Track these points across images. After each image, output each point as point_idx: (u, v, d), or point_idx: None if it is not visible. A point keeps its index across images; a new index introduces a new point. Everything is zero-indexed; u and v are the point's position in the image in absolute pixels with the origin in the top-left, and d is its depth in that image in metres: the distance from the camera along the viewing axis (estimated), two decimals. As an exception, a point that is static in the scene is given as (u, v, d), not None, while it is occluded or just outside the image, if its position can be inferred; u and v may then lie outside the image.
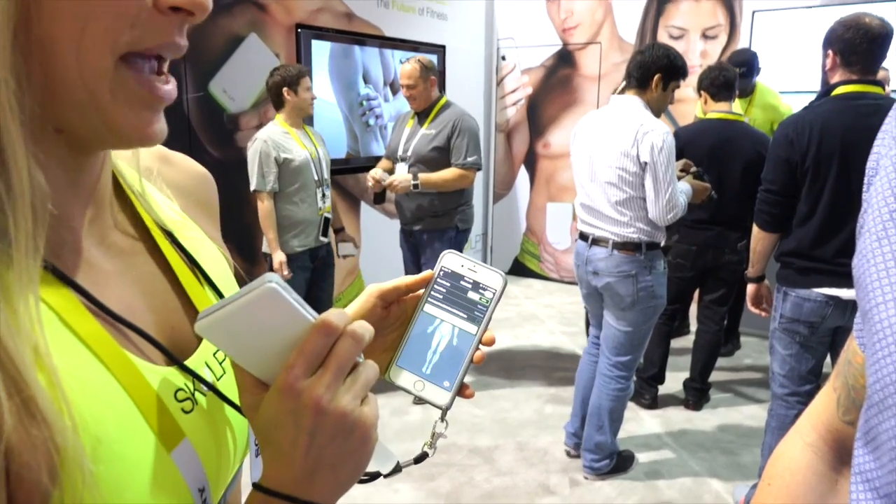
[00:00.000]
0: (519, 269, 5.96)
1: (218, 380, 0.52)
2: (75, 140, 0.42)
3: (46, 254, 0.39)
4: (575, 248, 2.70)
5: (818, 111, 2.21)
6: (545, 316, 4.92)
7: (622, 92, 2.54)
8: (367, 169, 4.56)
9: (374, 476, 0.61)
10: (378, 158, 3.76)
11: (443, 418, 0.61)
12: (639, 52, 2.50)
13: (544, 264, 5.85)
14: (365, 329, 0.47)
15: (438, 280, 0.63)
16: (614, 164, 2.44)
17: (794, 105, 3.66)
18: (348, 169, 4.55)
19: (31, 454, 0.35)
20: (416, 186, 3.17)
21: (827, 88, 2.25)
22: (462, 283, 0.63)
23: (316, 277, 3.27)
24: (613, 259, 2.50)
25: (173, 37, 0.41)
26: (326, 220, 3.21)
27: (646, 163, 2.37)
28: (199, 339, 0.52)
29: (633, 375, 2.72)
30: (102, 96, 0.39)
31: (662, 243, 2.55)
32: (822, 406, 0.64)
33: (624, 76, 2.56)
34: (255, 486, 0.46)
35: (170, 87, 0.43)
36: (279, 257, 3.02)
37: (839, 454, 0.62)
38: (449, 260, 0.64)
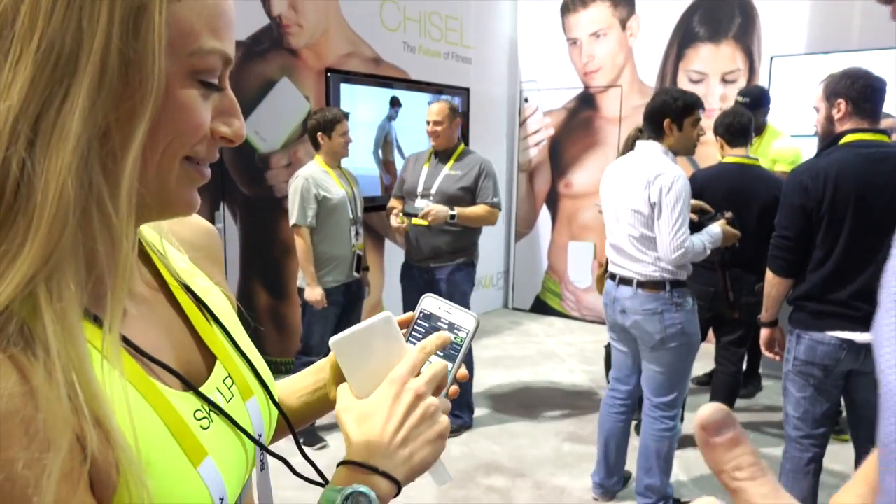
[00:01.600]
0: (540, 307, 6.00)
1: (228, 402, 0.61)
2: (137, 215, 0.53)
3: (91, 304, 0.49)
4: (605, 289, 2.75)
5: (831, 159, 2.25)
6: (565, 354, 4.94)
7: (639, 138, 2.64)
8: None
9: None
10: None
11: None
12: (649, 103, 2.59)
13: (565, 302, 5.88)
14: (445, 369, 0.66)
15: (419, 320, 0.71)
16: (631, 206, 2.52)
17: (806, 149, 3.71)
18: (374, 207, 4.67)
19: (107, 470, 0.45)
20: (452, 217, 3.30)
21: (835, 136, 2.30)
22: (439, 324, 0.71)
23: (345, 313, 3.38)
24: (639, 298, 2.56)
25: (215, 155, 0.56)
26: (359, 256, 3.32)
27: (655, 203, 2.45)
28: (209, 371, 0.61)
29: (679, 415, 2.70)
30: (169, 183, 0.52)
31: (685, 280, 2.57)
32: (873, 464, 0.64)
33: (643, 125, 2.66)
34: (342, 462, 0.59)
35: (209, 171, 0.56)
36: (318, 293, 3.12)
37: None
38: (428, 303, 0.72)
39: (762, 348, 2.59)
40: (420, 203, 3.43)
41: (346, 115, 3.26)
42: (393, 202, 3.62)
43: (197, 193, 0.55)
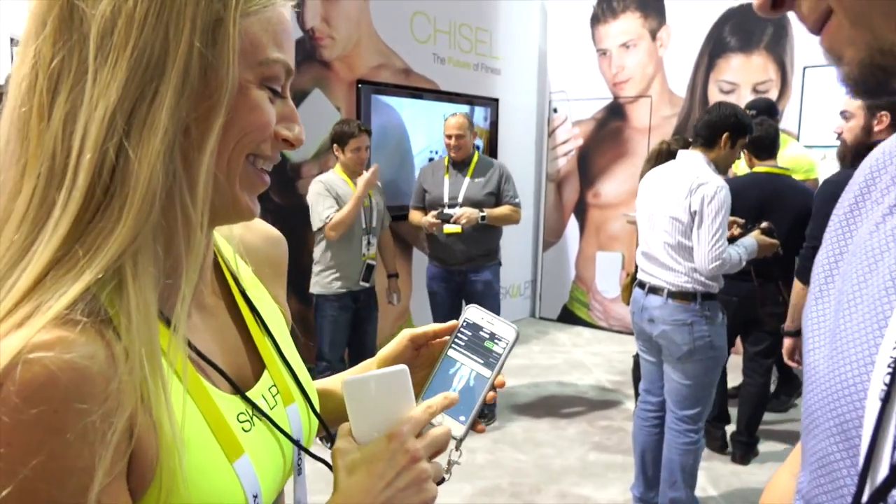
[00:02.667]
0: (568, 317, 5.99)
1: (271, 409, 0.65)
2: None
3: (162, 305, 0.54)
4: (632, 297, 2.75)
5: None
6: (592, 364, 4.93)
7: (683, 147, 2.66)
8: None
9: None
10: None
11: (458, 448, 0.71)
12: (706, 112, 2.60)
13: (593, 312, 5.86)
14: (448, 435, 0.65)
15: (462, 329, 0.76)
16: (670, 214, 2.52)
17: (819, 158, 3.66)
18: (403, 216, 4.72)
19: (144, 461, 0.50)
20: (483, 219, 3.52)
21: (869, 146, 2.28)
22: (481, 333, 0.75)
23: (358, 320, 3.45)
24: (668, 308, 2.55)
25: (277, 156, 0.62)
26: (369, 266, 3.37)
27: (695, 212, 2.45)
28: (257, 378, 0.66)
29: (702, 429, 2.68)
30: (234, 183, 0.57)
31: (716, 293, 2.57)
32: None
33: (692, 134, 2.66)
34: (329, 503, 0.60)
35: (268, 178, 0.62)
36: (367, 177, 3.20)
37: None
38: (472, 313, 0.76)
39: (785, 357, 2.56)
40: (450, 211, 3.57)
41: (366, 131, 3.34)
42: (414, 213, 3.78)
43: (255, 198, 0.61)
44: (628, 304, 3.03)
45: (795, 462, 0.73)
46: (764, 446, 3.53)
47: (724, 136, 2.53)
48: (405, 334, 0.79)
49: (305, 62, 3.96)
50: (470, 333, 0.75)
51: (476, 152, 3.72)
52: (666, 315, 2.55)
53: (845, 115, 2.37)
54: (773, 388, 3.70)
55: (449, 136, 3.61)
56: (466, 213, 3.50)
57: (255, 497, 0.58)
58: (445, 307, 3.71)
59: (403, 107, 4.61)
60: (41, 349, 0.43)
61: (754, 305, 3.21)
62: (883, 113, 2.25)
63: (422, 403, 0.65)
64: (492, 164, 3.71)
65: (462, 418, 0.71)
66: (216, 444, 0.56)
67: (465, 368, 0.73)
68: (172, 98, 0.49)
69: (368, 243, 3.37)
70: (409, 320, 4.89)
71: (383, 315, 4.59)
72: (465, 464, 3.22)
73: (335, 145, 3.28)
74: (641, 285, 2.68)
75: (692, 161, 2.55)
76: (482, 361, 0.73)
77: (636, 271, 2.84)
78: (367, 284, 3.39)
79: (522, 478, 3.18)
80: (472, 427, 0.71)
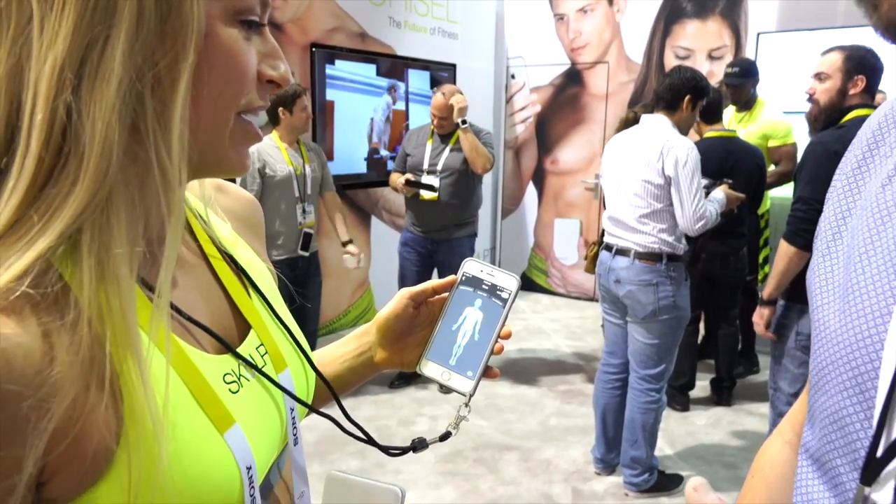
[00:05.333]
0: (527, 284, 6.02)
1: (261, 368, 0.61)
2: (189, 172, 0.53)
3: (145, 272, 0.50)
4: (599, 259, 2.78)
5: (857, 129, 2.24)
6: (551, 330, 4.99)
7: (647, 111, 2.69)
8: (379, 184, 4.68)
9: (406, 450, 0.72)
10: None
11: (467, 404, 0.70)
12: (667, 76, 2.62)
13: (552, 279, 5.91)
14: None
15: (461, 284, 0.73)
16: (640, 177, 2.54)
17: (796, 125, 3.74)
18: (360, 184, 4.65)
19: (105, 421, 0.45)
20: (464, 122, 3.47)
21: (843, 110, 2.28)
22: (482, 285, 0.73)
23: (298, 286, 3.37)
24: (635, 268, 2.58)
25: (266, 100, 0.56)
26: (307, 234, 3.31)
27: (670, 177, 2.47)
28: (243, 337, 0.62)
29: (664, 388, 2.75)
30: (222, 139, 0.52)
31: (681, 254, 2.62)
32: (799, 408, 0.73)
33: (652, 98, 2.68)
34: None
35: (259, 131, 0.57)
36: None
37: None
38: (470, 266, 0.74)
39: (760, 327, 2.50)
40: (427, 179, 3.57)
41: (305, 92, 3.28)
42: (393, 176, 3.74)
43: (248, 151, 0.56)
44: (592, 273, 3.07)
45: (787, 428, 0.73)
46: (718, 409, 3.64)
47: (686, 98, 2.56)
48: (404, 293, 0.76)
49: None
50: (470, 287, 0.73)
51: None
52: (632, 275, 2.59)
53: (821, 77, 2.35)
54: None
55: (433, 115, 3.58)
56: (459, 99, 3.47)
57: (249, 469, 0.53)
58: (414, 274, 3.69)
59: (357, 74, 4.50)
60: None
61: (721, 261, 3.40)
62: (859, 77, 2.26)
63: None
64: (479, 130, 3.64)
65: (469, 373, 0.70)
66: (204, 417, 0.51)
67: (468, 322, 0.72)
68: (126, 43, 0.44)
69: (304, 211, 3.31)
70: (370, 290, 4.85)
71: (341, 285, 4.55)
72: (428, 431, 3.23)
73: (281, 108, 3.19)
74: (608, 248, 2.70)
75: (658, 124, 2.57)
76: (485, 314, 0.71)
77: (600, 241, 2.88)
78: (305, 253, 3.32)
79: (485, 443, 3.21)
80: (485, 374, 0.70)
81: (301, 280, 3.39)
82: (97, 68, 0.43)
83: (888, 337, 0.46)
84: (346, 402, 0.71)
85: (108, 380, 0.44)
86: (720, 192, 2.76)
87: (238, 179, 3.15)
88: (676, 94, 2.56)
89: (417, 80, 4.97)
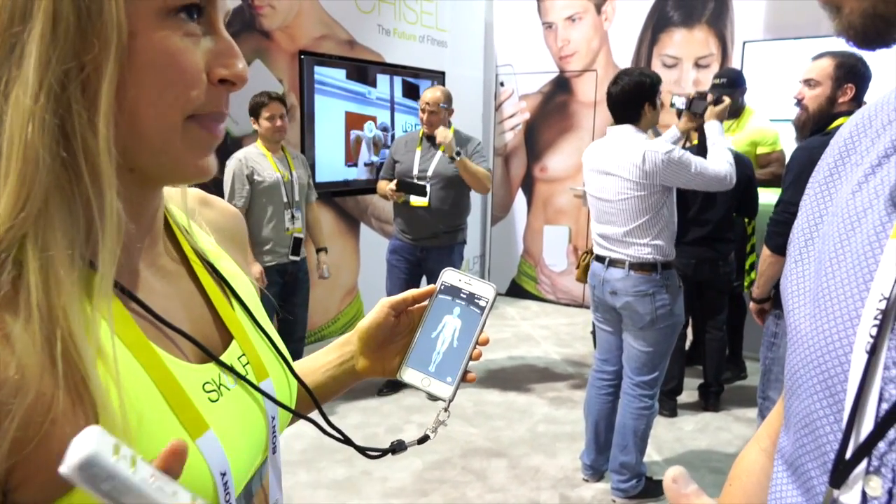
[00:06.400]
0: (516, 291, 6.03)
1: (243, 377, 0.61)
2: (144, 178, 0.53)
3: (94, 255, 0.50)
4: (591, 271, 2.76)
5: None
6: (540, 337, 4.99)
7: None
8: (367, 191, 4.68)
9: (385, 452, 0.75)
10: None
11: (447, 409, 0.73)
12: (613, 91, 2.54)
13: (541, 286, 5.92)
14: None
15: (440, 292, 0.76)
16: (623, 195, 2.53)
17: (782, 132, 3.77)
18: (348, 191, 4.65)
19: (73, 429, 0.43)
20: (458, 154, 3.42)
21: (831, 117, 2.29)
22: (460, 294, 0.76)
23: (287, 293, 3.40)
24: (631, 279, 2.58)
25: (221, 106, 0.53)
26: (297, 240, 3.32)
27: (660, 174, 2.45)
28: (225, 348, 0.62)
29: (657, 394, 2.75)
30: (174, 143, 0.50)
31: (673, 260, 2.63)
32: (775, 416, 0.73)
33: (611, 109, 2.61)
34: None
35: (222, 130, 0.55)
36: (255, 270, 3.14)
37: None
38: (449, 276, 0.77)
39: (754, 316, 2.53)
40: (419, 181, 3.54)
41: (278, 99, 3.26)
42: (381, 183, 3.70)
43: (213, 158, 0.54)
44: (584, 282, 3.09)
45: (763, 436, 0.74)
46: (706, 415, 3.65)
47: (646, 105, 2.54)
48: (384, 302, 0.78)
49: (245, 32, 3.82)
50: (449, 296, 0.76)
51: (452, 127, 3.62)
52: (629, 286, 2.59)
53: (810, 83, 2.35)
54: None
55: (422, 109, 3.55)
56: (445, 134, 3.40)
57: (224, 475, 0.53)
58: (401, 282, 3.67)
59: (343, 83, 4.50)
60: None
61: (709, 266, 3.44)
62: (848, 85, 2.27)
63: None
64: (468, 139, 3.64)
65: (449, 379, 0.72)
66: (176, 423, 0.51)
67: (447, 330, 0.74)
68: (42, 48, 0.43)
69: (292, 217, 3.31)
70: (358, 297, 4.84)
71: (330, 293, 4.54)
72: (414, 437, 3.21)
73: (252, 118, 3.23)
74: (600, 259, 2.70)
75: (629, 135, 2.54)
76: (464, 322, 0.74)
77: (591, 250, 2.89)
78: (296, 258, 3.33)
79: (473, 450, 3.20)
80: (463, 378, 0.72)
81: (290, 286, 3.39)
82: (13, 74, 0.43)
83: (856, 340, 0.47)
84: (334, 410, 0.72)
85: (73, 382, 0.44)
86: (714, 123, 2.68)
87: (227, 185, 3.15)
88: (635, 103, 2.53)
89: (400, 89, 4.99)
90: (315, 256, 3.64)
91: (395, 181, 3.55)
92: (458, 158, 3.41)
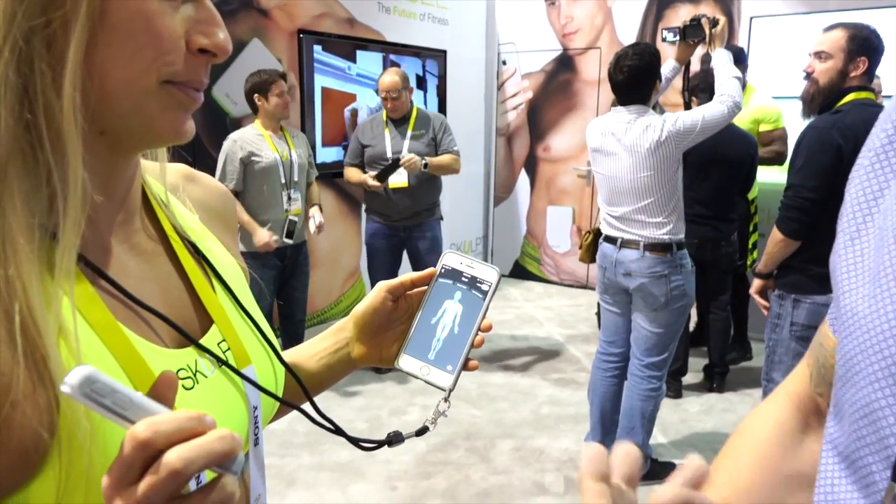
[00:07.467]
0: (519, 272, 6.00)
1: (219, 368, 0.57)
2: (115, 142, 0.50)
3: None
4: (600, 251, 2.71)
5: (854, 117, 2.15)
6: (544, 318, 4.96)
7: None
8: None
9: (381, 444, 0.71)
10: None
11: (447, 399, 0.68)
12: (626, 71, 2.46)
13: (544, 267, 5.89)
14: (192, 451, 0.38)
15: (441, 276, 0.71)
16: (645, 170, 2.47)
17: (787, 110, 3.70)
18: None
19: (34, 410, 0.42)
20: (425, 166, 3.50)
21: (841, 91, 2.23)
22: (462, 278, 0.71)
23: (287, 276, 3.37)
24: (646, 260, 2.54)
25: (200, 75, 0.50)
26: (292, 222, 3.26)
27: (676, 136, 2.41)
28: (204, 332, 0.58)
29: (665, 376, 2.73)
30: (146, 106, 0.48)
31: (684, 238, 2.60)
32: (798, 378, 0.71)
33: (620, 91, 2.54)
34: None
35: (200, 95, 0.51)
36: (263, 234, 3.10)
37: (807, 419, 0.69)
38: (449, 258, 0.72)
39: (756, 296, 2.49)
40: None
41: (283, 76, 3.22)
42: (352, 171, 3.67)
43: (190, 121, 0.51)
44: (587, 262, 3.05)
45: (781, 396, 0.71)
46: (711, 396, 3.63)
47: (657, 82, 2.51)
48: (381, 286, 0.73)
49: (242, 10, 3.75)
50: (450, 280, 0.71)
51: (414, 107, 3.65)
52: (644, 268, 2.54)
53: (821, 56, 2.27)
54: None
55: (384, 98, 3.55)
56: (409, 159, 3.45)
57: None
58: (386, 265, 3.68)
59: (345, 61, 4.44)
60: None
61: (712, 246, 3.41)
62: (861, 58, 2.19)
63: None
64: (432, 116, 3.69)
65: (449, 367, 0.67)
66: None
67: (447, 315, 0.69)
68: (8, 5, 0.41)
69: (289, 198, 3.25)
70: (360, 279, 4.81)
71: (332, 275, 4.52)
72: (419, 421, 3.19)
73: (257, 95, 3.15)
74: (611, 240, 2.65)
75: (641, 112, 2.50)
76: (465, 307, 0.69)
77: (597, 230, 2.84)
78: (289, 241, 3.27)
79: (477, 432, 3.19)
80: (465, 366, 0.68)
81: (289, 269, 3.36)
82: None
83: None
84: (335, 392, 0.68)
85: (33, 360, 0.42)
86: (721, 52, 2.64)
87: (220, 167, 3.09)
88: (649, 81, 2.48)
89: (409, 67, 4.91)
90: (315, 256, 3.57)
91: (374, 172, 3.54)
92: (426, 169, 3.50)
